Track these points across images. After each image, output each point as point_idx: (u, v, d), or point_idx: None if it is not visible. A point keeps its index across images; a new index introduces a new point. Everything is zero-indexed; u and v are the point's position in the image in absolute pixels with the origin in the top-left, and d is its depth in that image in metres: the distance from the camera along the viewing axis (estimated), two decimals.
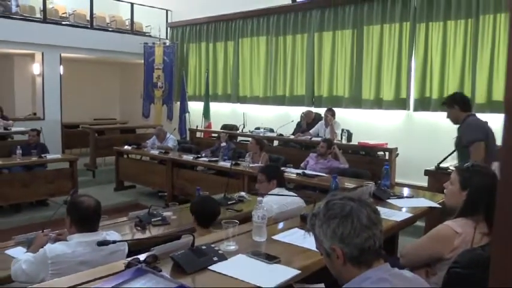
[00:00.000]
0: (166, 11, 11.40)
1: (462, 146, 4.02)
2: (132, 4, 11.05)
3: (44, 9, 9.67)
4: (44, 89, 9.66)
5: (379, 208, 3.12)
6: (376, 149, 6.84)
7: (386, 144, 6.68)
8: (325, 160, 6.05)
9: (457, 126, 4.21)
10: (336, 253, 1.43)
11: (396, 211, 3.13)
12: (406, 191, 3.90)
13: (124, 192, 8.20)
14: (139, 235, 3.49)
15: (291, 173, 5.66)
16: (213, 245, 2.16)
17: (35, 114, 10.02)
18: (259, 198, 2.48)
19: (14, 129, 8.18)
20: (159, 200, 7.63)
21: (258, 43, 9.50)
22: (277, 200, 3.24)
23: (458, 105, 4.11)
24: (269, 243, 2.37)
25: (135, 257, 2.05)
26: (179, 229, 3.44)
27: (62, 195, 6.97)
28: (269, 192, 3.27)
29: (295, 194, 3.50)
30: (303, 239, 2.27)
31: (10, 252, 3.01)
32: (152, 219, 3.71)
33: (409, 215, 3.11)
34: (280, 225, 2.75)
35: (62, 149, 9.48)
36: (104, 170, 9.13)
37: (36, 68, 9.93)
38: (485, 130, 4.00)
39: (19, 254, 2.86)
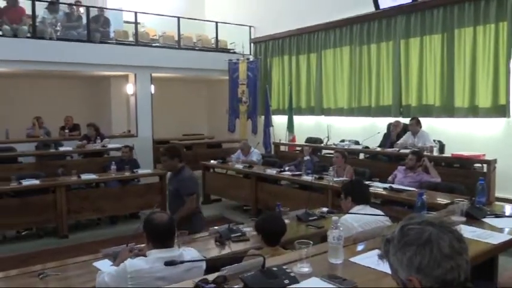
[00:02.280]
0: (250, 27, 11.61)
1: None
2: (216, 23, 11.40)
3: (136, 33, 10.31)
4: (136, 108, 10.26)
5: (473, 228, 2.87)
6: (471, 161, 6.31)
7: (484, 155, 6.15)
8: (414, 173, 5.69)
9: None
10: (413, 284, 1.27)
11: (494, 232, 2.81)
12: (507, 209, 3.51)
13: (210, 206, 8.36)
14: (218, 251, 3.50)
15: (378, 187, 5.39)
16: (285, 267, 2.06)
17: (129, 131, 10.64)
18: (334, 218, 2.35)
19: (110, 146, 8.74)
20: (244, 213, 7.69)
21: (341, 54, 9.30)
22: (359, 218, 3.05)
23: None
24: (346, 265, 2.23)
25: (204, 277, 2.02)
26: (256, 246, 3.38)
27: (151, 208, 7.30)
28: (350, 210, 3.10)
29: (379, 212, 3.28)
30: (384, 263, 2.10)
31: (97, 264, 3.15)
32: (232, 235, 3.70)
33: (510, 236, 2.77)
34: (361, 246, 2.58)
35: (153, 164, 9.95)
36: None
37: (129, 88, 10.58)
38: None
39: (105, 266, 2.99)
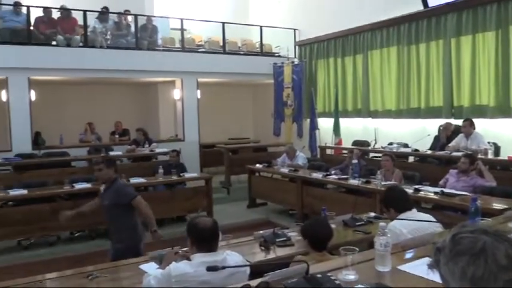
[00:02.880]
0: (294, 30, 11.56)
1: None
2: (261, 27, 11.44)
3: (182, 40, 10.51)
4: (183, 113, 10.44)
5: None
6: None
7: None
8: (467, 177, 5.44)
9: None
10: None
11: None
12: None
13: (256, 210, 8.36)
14: (262, 255, 3.47)
15: (428, 191, 5.20)
16: (329, 274, 2.00)
17: (176, 136, 10.85)
18: (381, 224, 2.26)
19: (157, 150, 8.93)
20: (289, 217, 7.63)
21: (388, 54, 9.08)
22: (408, 224, 2.93)
23: None
24: (394, 274, 2.13)
25: (247, 283, 1.99)
26: (302, 251, 3.32)
27: (197, 211, 7.39)
28: (399, 216, 2.98)
29: (430, 217, 3.14)
30: (434, 272, 1.99)
31: (143, 266, 3.20)
32: (276, 240, 3.66)
33: None
34: (410, 253, 2.47)
35: (200, 168, 10.08)
36: (237, 188, 9.45)
37: (176, 94, 10.79)
38: None
39: (151, 269, 3.04)
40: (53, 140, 9.79)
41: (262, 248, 3.58)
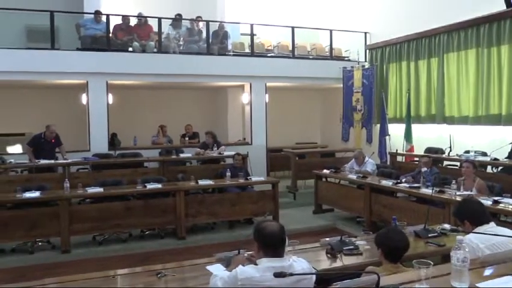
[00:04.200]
0: (365, 33, 11.32)
1: None
2: (331, 31, 11.30)
3: (252, 44, 10.62)
4: (251, 116, 10.55)
5: None
6: None
7: None
8: None
9: None
10: None
11: None
12: None
13: (322, 216, 8.24)
14: (329, 263, 3.40)
15: (509, 204, 4.85)
16: (401, 287, 1.91)
17: (244, 139, 10.97)
18: (458, 237, 2.12)
19: (226, 153, 9.07)
20: (356, 225, 7.45)
21: (466, 57, 8.62)
22: (485, 239, 2.72)
23: None
24: None
25: None
26: (370, 261, 3.21)
27: (264, 215, 7.41)
28: (475, 230, 2.79)
29: (510, 232, 2.90)
30: None
31: (210, 267, 3.25)
32: (344, 248, 3.58)
33: None
34: (489, 270, 2.30)
35: (266, 172, 10.12)
36: (304, 193, 9.37)
37: (245, 98, 10.92)
38: None
39: (217, 270, 3.07)
40: (128, 141, 10.28)
41: (329, 255, 3.51)
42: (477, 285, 2.04)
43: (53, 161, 8.23)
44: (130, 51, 9.58)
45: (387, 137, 9.91)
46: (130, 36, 9.69)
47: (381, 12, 10.79)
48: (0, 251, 6.21)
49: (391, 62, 10.58)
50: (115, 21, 9.80)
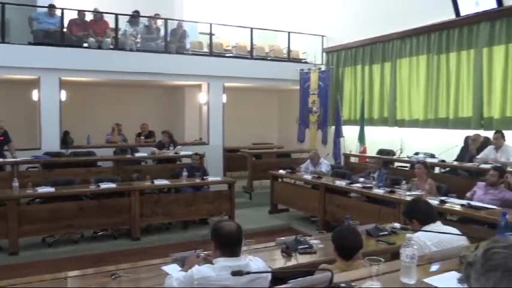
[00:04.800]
0: (322, 36, 11.53)
1: None
2: (289, 33, 11.44)
3: (211, 44, 10.59)
4: (209, 116, 10.51)
5: None
6: None
7: None
8: (496, 190, 5.31)
9: None
10: None
11: None
12: None
13: (278, 216, 8.33)
14: (284, 262, 3.45)
15: (454, 203, 5.09)
16: (354, 284, 1.98)
17: (201, 139, 10.92)
18: (407, 235, 2.22)
19: (182, 153, 9.00)
20: (311, 225, 7.57)
21: (417, 63, 8.95)
22: (432, 236, 2.86)
23: None
24: (419, 286, 2.09)
25: None
26: (324, 259, 3.29)
27: (220, 215, 7.40)
28: (424, 228, 2.92)
29: (455, 230, 3.07)
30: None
31: (166, 268, 3.22)
32: (298, 247, 3.64)
33: None
34: (435, 266, 2.42)
35: (223, 172, 10.12)
36: (260, 193, 9.44)
37: (202, 97, 10.87)
38: None
39: (173, 270, 3.05)
40: (81, 139, 9.99)
41: (284, 254, 3.57)
42: (424, 280, 2.15)
43: (0, 159, 7.89)
44: (86, 47, 9.32)
45: (341, 139, 10.14)
46: (85, 31, 9.43)
47: (338, 17, 11.03)
48: None
49: (346, 66, 10.84)
50: (69, 15, 9.50)
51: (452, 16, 8.10)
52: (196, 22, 11.37)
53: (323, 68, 11.16)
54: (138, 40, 9.99)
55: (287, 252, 3.58)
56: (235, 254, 2.58)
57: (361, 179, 6.87)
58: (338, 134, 10.19)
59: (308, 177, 7.70)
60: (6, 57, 8.39)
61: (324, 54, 11.56)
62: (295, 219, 8.01)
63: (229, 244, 2.58)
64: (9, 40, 8.82)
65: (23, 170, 8.04)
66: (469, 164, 7.01)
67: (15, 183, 6.24)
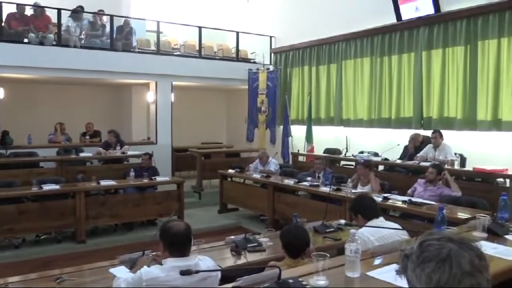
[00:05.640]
0: (270, 37, 11.66)
1: None
2: (237, 33, 11.48)
3: (158, 42, 10.44)
4: (157, 116, 10.36)
5: (495, 245, 2.80)
6: (494, 176, 6.21)
7: (507, 170, 6.01)
8: (434, 187, 5.60)
9: None
10: None
11: None
12: None
13: (227, 215, 8.36)
14: (233, 260, 3.48)
15: (397, 200, 5.32)
16: (301, 279, 2.04)
17: (149, 138, 10.74)
18: (352, 231, 2.32)
19: (129, 153, 8.82)
20: (260, 223, 7.66)
21: (361, 64, 9.26)
22: (375, 232, 3.00)
23: None
24: (363, 279, 2.19)
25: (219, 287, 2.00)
26: (273, 256, 3.36)
27: (169, 216, 7.33)
28: (367, 224, 3.05)
29: (396, 225, 3.23)
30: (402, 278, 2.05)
31: (113, 270, 3.17)
32: (248, 245, 3.68)
33: None
34: (378, 260, 2.54)
35: (172, 172, 10.01)
36: (209, 193, 9.43)
37: (150, 96, 10.70)
38: None
39: (121, 273, 3.01)
40: (21, 139, 9.52)
41: (234, 253, 3.60)
42: (367, 273, 2.25)
43: None
44: (26, 43, 8.91)
45: (290, 138, 10.32)
46: (26, 26, 9.02)
47: (286, 18, 11.19)
48: None
49: (294, 66, 11.02)
50: (8, 9, 9.05)
51: (394, 20, 8.44)
52: (144, 19, 11.16)
53: (271, 68, 11.29)
54: (83, 37, 9.68)
55: (236, 251, 3.61)
56: (184, 254, 2.59)
57: (308, 178, 7.03)
58: (286, 134, 10.36)
59: (257, 176, 7.78)
60: None
61: (272, 54, 11.70)
62: (245, 218, 8.08)
63: (178, 244, 2.59)
64: None
65: None
66: (410, 162, 7.35)
67: None
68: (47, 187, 6.40)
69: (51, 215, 6.31)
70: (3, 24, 8.81)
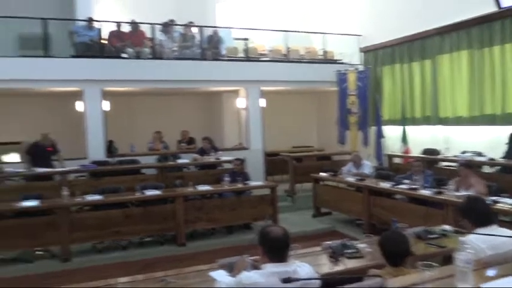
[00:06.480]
0: (358, 36, 11.37)
1: None
2: (324, 34, 11.35)
3: (246, 49, 10.64)
4: (247, 121, 10.57)
5: None
6: None
7: None
8: None
9: None
10: None
11: None
12: None
13: (321, 219, 8.26)
14: (330, 267, 3.41)
15: (506, 203, 4.89)
16: None
17: (241, 144, 10.98)
18: (461, 238, 2.15)
19: (223, 158, 9.09)
20: (356, 228, 7.47)
21: (459, 58, 8.70)
22: (487, 239, 2.74)
23: None
24: None
25: None
26: (372, 264, 3.23)
27: (263, 219, 7.41)
28: (477, 231, 2.79)
29: (511, 233, 2.92)
30: None
31: (213, 274, 3.24)
32: (345, 251, 3.60)
33: None
34: (492, 271, 2.32)
35: (264, 176, 10.13)
36: (302, 196, 9.38)
37: (240, 102, 10.94)
38: None
39: (221, 276, 3.08)
40: (125, 148, 10.25)
41: (331, 259, 3.52)
42: (481, 285, 2.07)
43: (50, 169, 8.20)
44: (125, 58, 9.57)
45: (383, 139, 9.96)
46: (124, 42, 9.70)
47: (374, 15, 10.87)
48: (1, 260, 6.19)
49: (384, 65, 10.65)
50: (108, 27, 9.80)
51: (493, 9, 7.81)
52: (230, 28, 11.48)
53: (361, 68, 11.00)
54: (175, 48, 10.17)
55: (334, 256, 3.54)
56: (283, 260, 2.58)
57: (406, 180, 6.70)
58: (379, 135, 10.02)
59: (351, 179, 7.59)
60: (50, 71, 8.76)
61: (361, 53, 11.40)
62: (340, 223, 7.93)
63: (277, 249, 2.58)
64: (52, 54, 9.18)
65: (72, 179, 8.33)
66: None
67: (65, 192, 6.48)
68: (149, 192, 6.78)
69: (153, 218, 6.67)
70: (105, 41, 9.54)
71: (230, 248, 6.49)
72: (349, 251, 3.60)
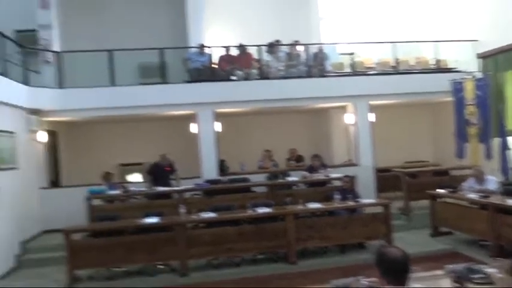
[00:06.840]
0: (474, 41, 10.57)
1: None
2: (436, 42, 10.75)
3: (352, 63, 10.46)
4: (357, 137, 10.34)
5: None
6: None
7: None
8: None
9: None
10: None
11: None
12: None
13: (440, 239, 7.71)
14: None
15: None
16: None
17: (350, 160, 10.74)
18: None
19: (332, 175, 8.95)
20: (479, 249, 6.86)
21: None
22: None
23: None
24: None
25: None
26: None
27: (377, 238, 7.13)
28: None
29: None
30: None
31: None
32: (471, 276, 3.29)
33: None
34: None
35: (375, 193, 9.76)
36: (417, 214, 8.84)
37: (348, 118, 10.72)
38: None
39: None
40: (235, 166, 10.60)
41: (456, 284, 3.24)
42: None
43: (169, 188, 8.76)
44: (234, 80, 9.97)
45: (508, 151, 9.06)
46: (233, 65, 10.11)
47: (493, 18, 10.03)
48: (125, 272, 6.69)
49: (506, 70, 9.73)
50: (217, 52, 10.31)
51: None
52: (335, 44, 11.39)
53: (479, 75, 10.18)
54: (281, 68, 10.33)
55: (459, 282, 3.25)
56: (401, 283, 2.43)
57: None
58: (504, 147, 9.13)
59: (473, 196, 7.00)
60: (167, 96, 9.48)
61: (479, 60, 10.55)
62: (461, 243, 7.33)
63: (395, 272, 2.45)
64: (168, 80, 9.92)
65: (187, 197, 8.78)
66: None
67: (182, 210, 6.84)
68: (260, 210, 6.89)
69: (264, 236, 6.76)
70: (215, 66, 10.06)
71: (343, 267, 6.34)
72: (477, 275, 3.28)
